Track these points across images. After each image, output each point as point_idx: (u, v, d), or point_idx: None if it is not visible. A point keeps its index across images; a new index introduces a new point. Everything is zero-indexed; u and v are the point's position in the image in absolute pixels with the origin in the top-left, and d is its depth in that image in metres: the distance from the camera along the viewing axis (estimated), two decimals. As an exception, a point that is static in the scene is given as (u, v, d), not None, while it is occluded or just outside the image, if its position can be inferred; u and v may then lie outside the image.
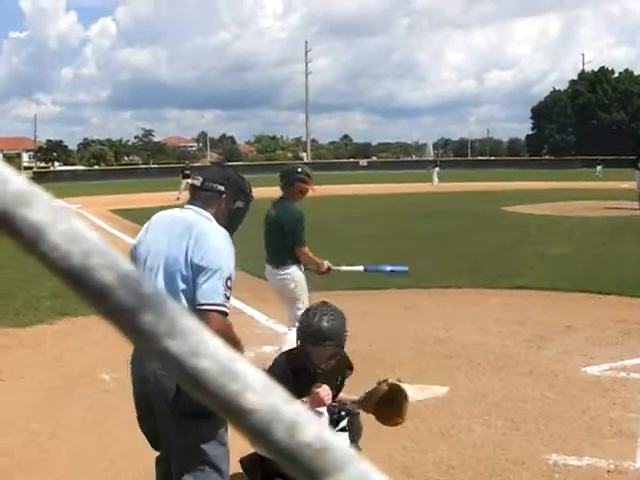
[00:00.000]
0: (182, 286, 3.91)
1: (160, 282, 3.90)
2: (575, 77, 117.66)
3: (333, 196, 39.59)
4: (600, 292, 11.67)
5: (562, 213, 26.60)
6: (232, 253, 4.04)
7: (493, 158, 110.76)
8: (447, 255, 16.34)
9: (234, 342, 3.87)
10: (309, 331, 4.33)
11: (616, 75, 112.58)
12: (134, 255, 4.17)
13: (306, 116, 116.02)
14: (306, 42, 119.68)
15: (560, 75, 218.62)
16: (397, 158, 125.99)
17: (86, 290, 0.50)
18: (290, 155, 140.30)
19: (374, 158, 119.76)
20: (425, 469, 5.57)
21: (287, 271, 7.99)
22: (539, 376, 7.70)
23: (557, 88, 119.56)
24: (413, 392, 7.23)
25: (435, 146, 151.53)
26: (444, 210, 28.82)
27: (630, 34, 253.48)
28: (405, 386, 4.78)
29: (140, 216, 24.74)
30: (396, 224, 23.72)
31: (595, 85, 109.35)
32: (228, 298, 3.94)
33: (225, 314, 3.93)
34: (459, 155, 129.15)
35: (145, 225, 4.35)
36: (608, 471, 5.44)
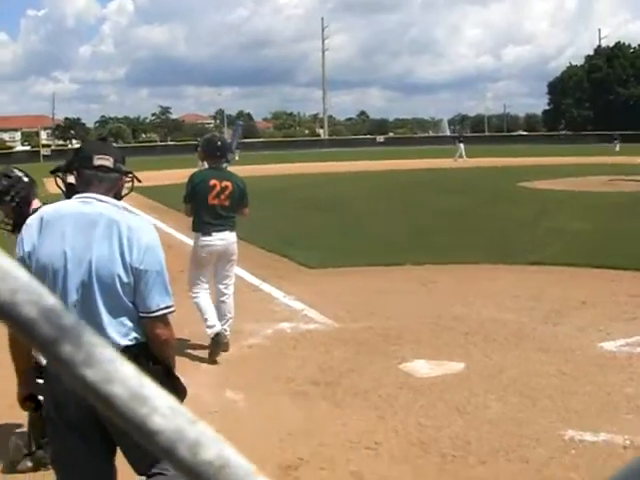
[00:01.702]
0: (123, 293, 3.49)
1: (96, 293, 3.45)
2: (591, 52, 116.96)
3: (351, 172, 39.62)
4: (617, 267, 11.62)
5: (579, 188, 26.48)
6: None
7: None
8: (464, 231, 16.33)
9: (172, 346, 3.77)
10: None
11: (632, 50, 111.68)
12: (32, 263, 3.47)
13: (323, 93, 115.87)
14: (322, 19, 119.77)
15: (576, 50, 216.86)
16: (414, 134, 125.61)
17: (13, 324, 0.55)
18: (307, 132, 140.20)
19: (391, 134, 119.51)
20: (441, 445, 5.60)
21: (235, 234, 8.28)
22: (555, 352, 7.70)
23: (573, 63, 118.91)
24: (430, 368, 7.29)
25: (451, 122, 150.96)
26: (461, 186, 28.75)
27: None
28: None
29: (158, 193, 24.85)
30: (413, 200, 23.70)
31: (612, 60, 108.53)
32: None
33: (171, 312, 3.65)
34: (476, 131, 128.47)
35: (33, 224, 3.57)
36: (624, 447, 5.46)
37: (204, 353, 7.97)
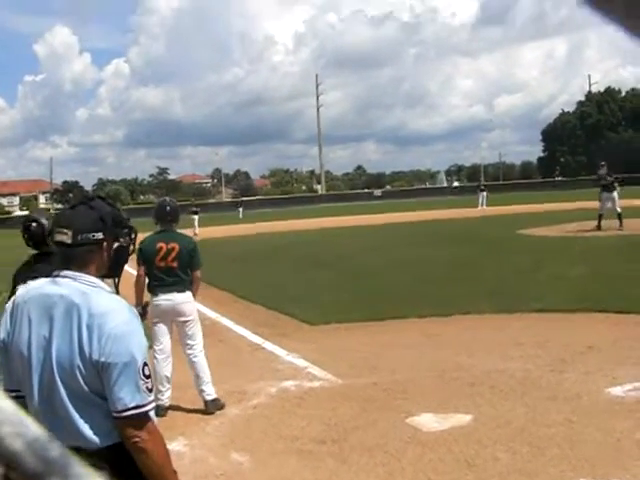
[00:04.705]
0: (89, 389, 2.99)
1: (60, 387, 2.99)
2: (582, 98, 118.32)
3: (349, 227, 39.71)
4: (620, 311, 11.58)
5: (578, 234, 26.50)
6: (138, 326, 3.14)
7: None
8: (466, 281, 16.28)
9: (165, 453, 3.10)
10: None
11: (623, 94, 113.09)
12: (7, 353, 3.14)
13: (319, 148, 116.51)
14: (317, 75, 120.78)
15: (568, 97, 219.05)
16: (411, 186, 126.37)
17: None
18: (304, 188, 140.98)
19: (388, 187, 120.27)
20: (452, 499, 5.53)
21: (190, 294, 8.42)
22: (562, 400, 7.64)
23: (566, 110, 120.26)
24: (437, 421, 7.22)
25: (448, 172, 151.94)
26: (461, 236, 28.79)
27: (635, 53, 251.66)
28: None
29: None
30: (413, 252, 23.69)
31: (602, 105, 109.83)
32: (150, 390, 3.07)
33: (149, 415, 3.05)
34: (473, 180, 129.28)
35: (7, 308, 3.21)
36: (637, 494, 5.39)
37: (208, 415, 7.95)
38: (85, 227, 3.14)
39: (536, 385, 8.22)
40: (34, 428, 0.55)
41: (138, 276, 8.38)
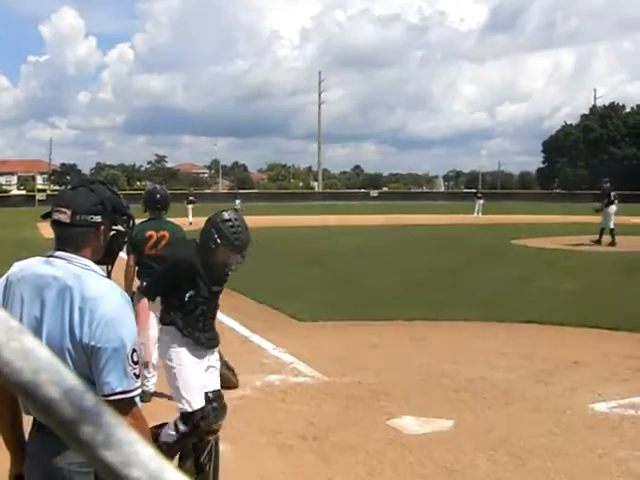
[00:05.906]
0: (77, 371, 2.57)
1: None
2: (587, 112, 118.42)
3: (344, 226, 39.71)
4: (610, 328, 11.57)
5: (572, 247, 26.54)
6: (130, 312, 3.13)
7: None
8: (456, 288, 16.30)
9: (149, 439, 3.11)
10: (235, 241, 5.49)
11: (628, 110, 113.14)
12: None
13: (318, 146, 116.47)
14: (319, 72, 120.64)
15: (572, 109, 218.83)
16: (408, 189, 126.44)
17: (35, 403, 0.56)
18: (301, 184, 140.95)
19: (385, 189, 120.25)
20: (429, 504, 5.52)
21: None
22: (546, 412, 7.64)
23: (568, 122, 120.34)
24: (418, 425, 7.22)
25: (446, 178, 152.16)
26: (454, 243, 28.82)
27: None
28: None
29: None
30: (405, 255, 23.72)
31: (605, 120, 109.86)
32: (138, 376, 3.06)
33: (135, 401, 3.06)
34: (470, 187, 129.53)
35: (0, 283, 3.20)
36: (614, 510, 5.39)
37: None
38: (84, 209, 3.14)
39: (520, 396, 8.21)
40: (70, 377, 0.56)
41: (128, 265, 8.35)
